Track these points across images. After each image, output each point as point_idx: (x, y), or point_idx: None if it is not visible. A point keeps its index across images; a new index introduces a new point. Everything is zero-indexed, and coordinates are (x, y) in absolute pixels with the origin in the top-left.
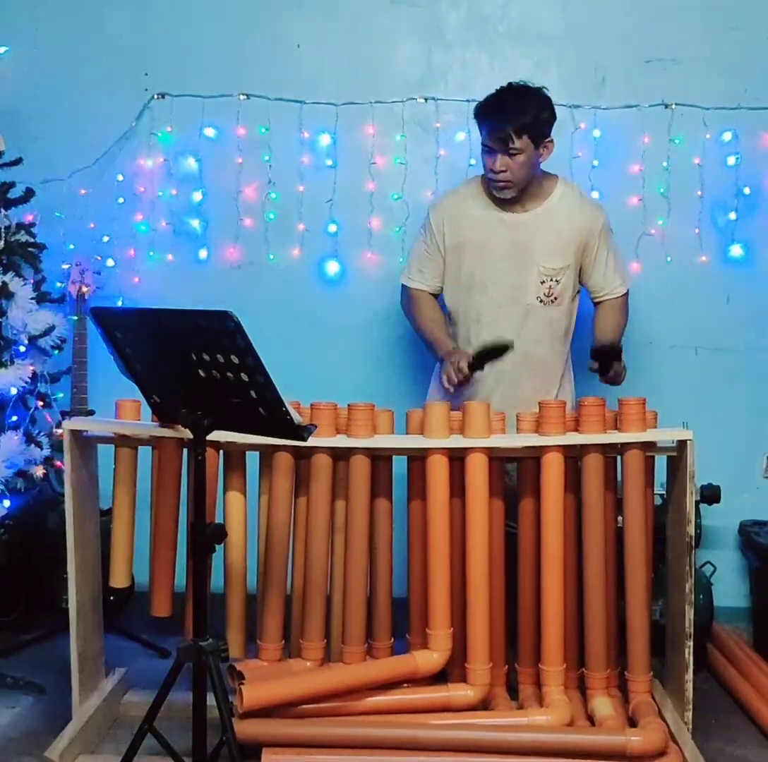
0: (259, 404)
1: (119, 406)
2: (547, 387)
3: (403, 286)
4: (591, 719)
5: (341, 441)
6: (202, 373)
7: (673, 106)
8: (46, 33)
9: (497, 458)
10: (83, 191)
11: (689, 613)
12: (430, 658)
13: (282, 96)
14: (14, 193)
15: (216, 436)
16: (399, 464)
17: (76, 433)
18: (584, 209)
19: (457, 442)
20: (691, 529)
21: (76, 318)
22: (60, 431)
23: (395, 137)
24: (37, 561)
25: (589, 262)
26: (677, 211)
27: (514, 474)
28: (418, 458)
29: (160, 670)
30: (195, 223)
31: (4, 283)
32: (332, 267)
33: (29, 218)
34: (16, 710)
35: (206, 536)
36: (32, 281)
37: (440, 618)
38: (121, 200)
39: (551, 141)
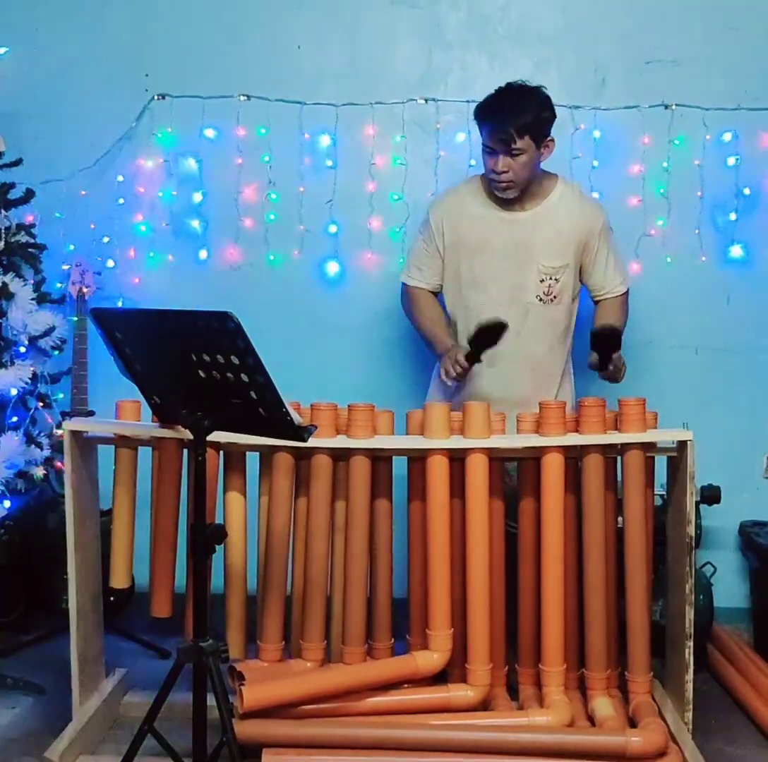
0: (259, 405)
1: (119, 407)
2: (547, 386)
3: (403, 285)
4: (591, 720)
5: (341, 441)
6: (202, 374)
7: (673, 107)
8: (47, 34)
9: (497, 459)
10: (83, 192)
11: (689, 614)
12: (430, 658)
13: (282, 97)
14: (14, 194)
15: (216, 436)
16: (399, 465)
17: (76, 434)
18: (584, 208)
19: (457, 442)
20: (691, 530)
21: (76, 318)
22: (60, 432)
23: (395, 138)
24: (38, 561)
25: (589, 261)
26: (677, 212)
27: (515, 474)
28: (418, 459)
29: (161, 670)
30: (195, 224)
31: (5, 284)
32: (332, 267)
33: (29, 219)
34: (16, 711)
35: (206, 537)
36: (32, 282)
37: (440, 618)
38: (121, 201)
39: (552, 140)
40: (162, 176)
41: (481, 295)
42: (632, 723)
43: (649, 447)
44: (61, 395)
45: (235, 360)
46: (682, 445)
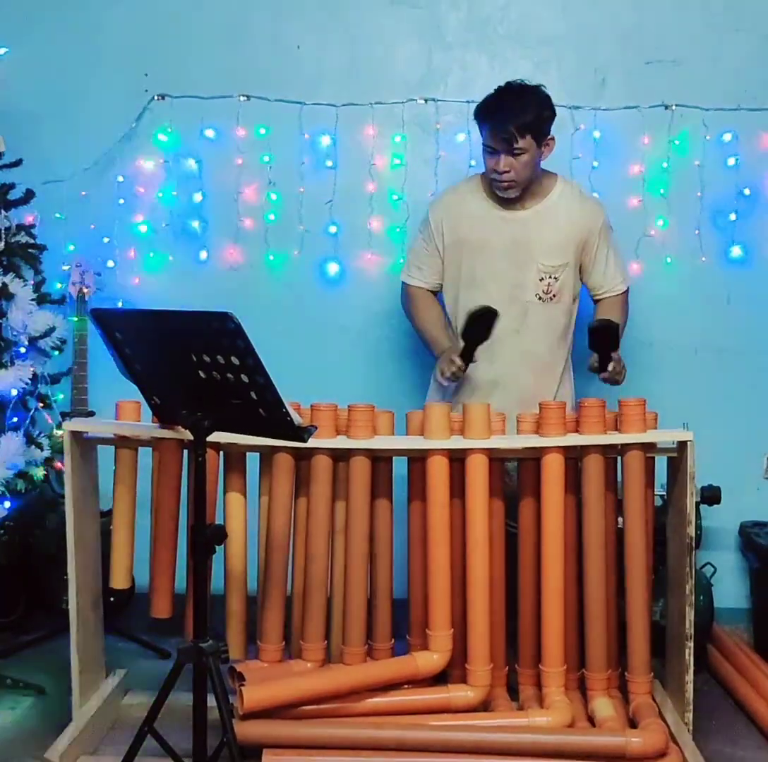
0: (259, 405)
1: (119, 407)
2: (547, 385)
3: (403, 284)
4: (591, 720)
5: (341, 442)
6: (202, 374)
7: (673, 107)
8: (47, 34)
9: (497, 459)
10: (83, 192)
11: (689, 614)
12: (430, 659)
13: (282, 97)
14: (14, 195)
15: (216, 437)
16: (399, 465)
17: (76, 435)
18: (584, 207)
19: (457, 443)
20: (691, 530)
21: (76, 319)
22: (60, 432)
23: (395, 138)
24: (38, 562)
25: (589, 259)
26: (677, 212)
27: (515, 473)
28: (418, 459)
29: (161, 671)
30: (195, 224)
31: (5, 285)
32: (332, 268)
33: (29, 219)
34: (16, 711)
35: (206, 537)
36: (32, 282)
37: (440, 619)
38: (121, 201)
39: (552, 138)
40: (162, 176)
41: (480, 294)
42: (632, 723)
43: (649, 447)
44: (61, 396)
45: (235, 360)
46: (682, 445)
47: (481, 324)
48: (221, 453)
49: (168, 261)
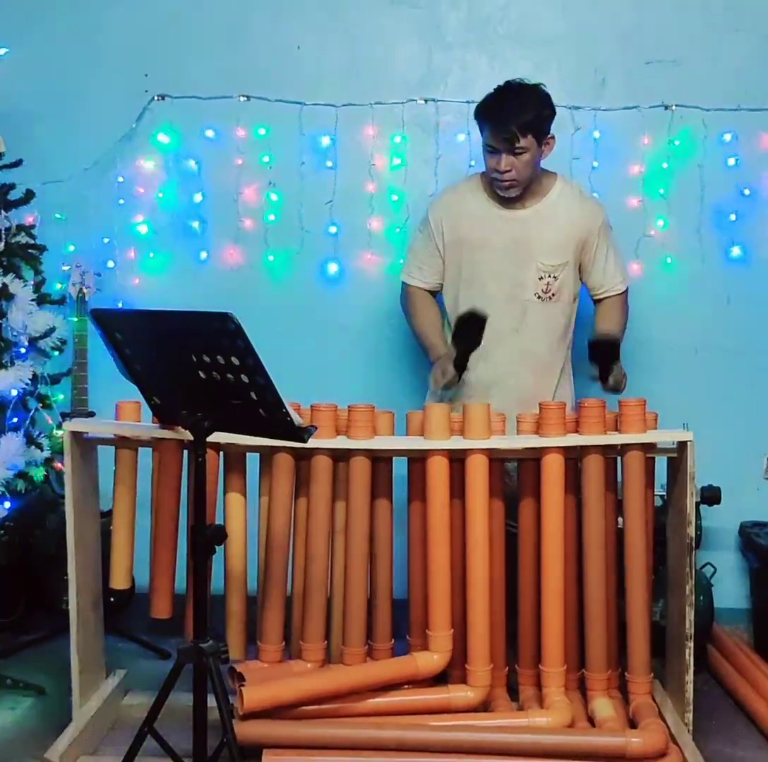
0: (259, 406)
1: (119, 408)
2: (546, 384)
3: (403, 284)
4: (591, 720)
5: (341, 442)
6: (202, 375)
7: (673, 108)
8: (47, 35)
9: (497, 459)
10: (83, 193)
11: (690, 615)
12: (430, 659)
13: (282, 97)
14: (14, 195)
15: (216, 437)
16: (399, 465)
17: (76, 435)
18: (583, 206)
19: (457, 443)
20: (691, 531)
21: (76, 319)
22: (60, 433)
23: (395, 138)
24: (38, 562)
25: (589, 259)
26: (677, 213)
27: (515, 474)
28: (418, 459)
29: (161, 671)
30: (195, 225)
31: (5, 285)
32: (332, 268)
33: (29, 220)
34: (16, 711)
35: (206, 537)
36: (32, 283)
37: (441, 619)
38: (121, 202)
39: (552, 137)
40: (162, 177)
41: (480, 293)
42: (632, 724)
43: (649, 448)
44: (61, 396)
45: (235, 361)
46: (683, 445)
47: (470, 327)
48: (221, 453)
49: (168, 261)
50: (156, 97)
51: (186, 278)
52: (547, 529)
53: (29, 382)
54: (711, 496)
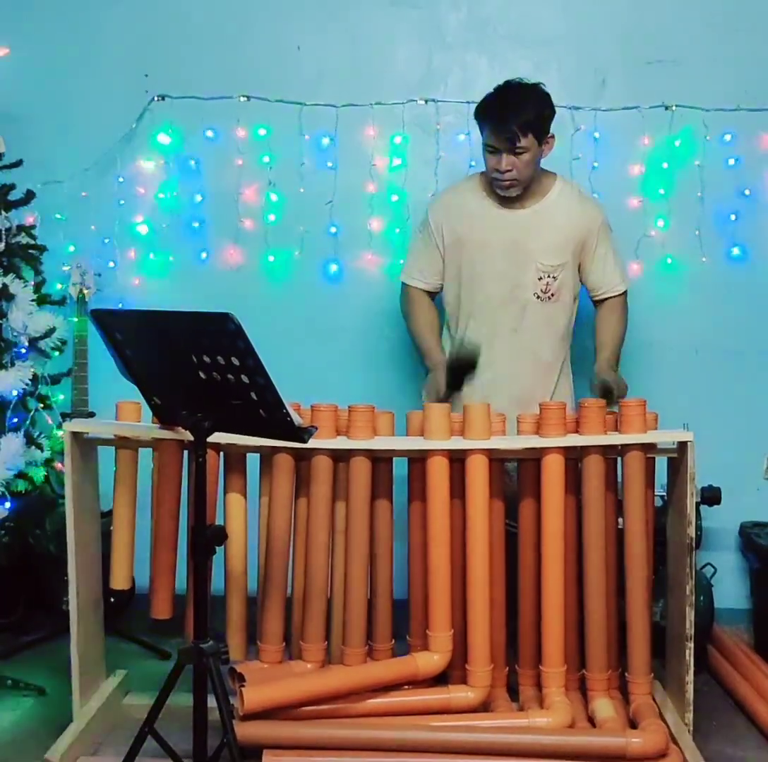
0: (259, 406)
1: (119, 408)
2: (545, 384)
3: (403, 284)
4: (592, 721)
5: (341, 443)
6: (202, 375)
7: (674, 108)
8: (47, 35)
9: (497, 459)
10: (84, 193)
11: (690, 615)
12: (430, 659)
13: (282, 97)
14: (15, 195)
15: (216, 437)
16: (399, 466)
17: (76, 435)
18: (583, 206)
19: (457, 443)
20: (691, 531)
21: (76, 320)
22: (61, 433)
23: (395, 139)
24: (38, 563)
25: (588, 259)
26: (677, 213)
27: (515, 474)
28: (418, 460)
29: (161, 672)
30: (195, 225)
31: (5, 285)
32: (332, 268)
33: (30, 220)
34: (16, 712)
35: (207, 538)
36: (33, 283)
37: (441, 620)
38: (121, 202)
39: (552, 136)
40: (162, 177)
41: (479, 293)
42: (633, 724)
43: (649, 448)
44: (61, 396)
45: (235, 361)
46: (683, 446)
47: (465, 362)
48: (221, 454)
49: (168, 262)
50: (156, 98)
51: (186, 278)
52: (547, 529)
53: (29, 382)
54: (711, 496)
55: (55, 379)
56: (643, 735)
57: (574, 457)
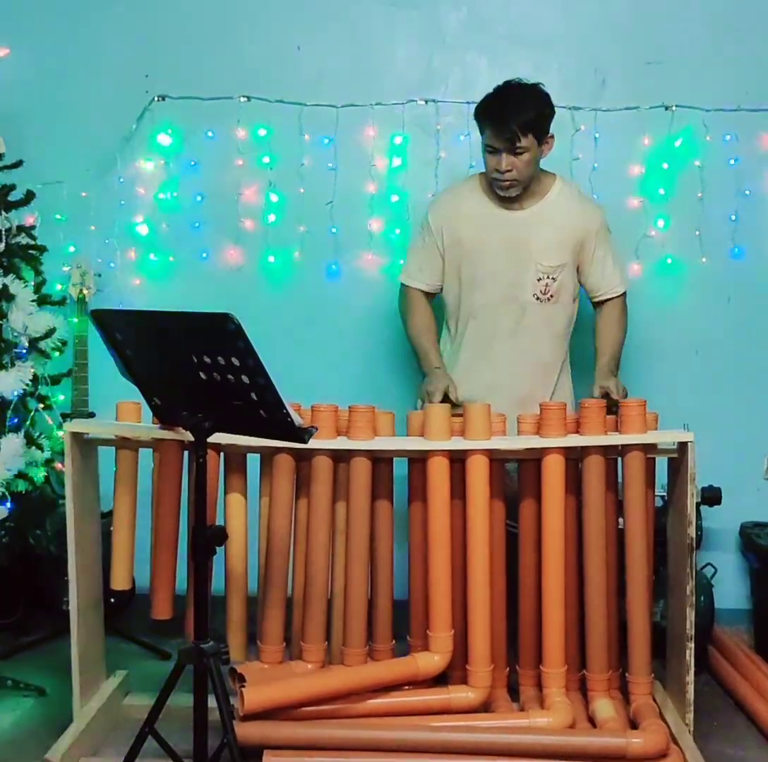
0: (259, 406)
1: (120, 409)
2: (545, 385)
3: (402, 285)
4: (592, 721)
5: (342, 443)
6: (202, 375)
7: (674, 108)
8: (47, 35)
9: (498, 460)
10: (84, 193)
11: (690, 615)
12: (431, 660)
13: (282, 98)
14: (15, 196)
15: (217, 438)
16: (400, 466)
17: (76, 436)
18: (582, 207)
19: (457, 444)
20: (691, 531)
21: (76, 320)
22: (61, 433)
23: (395, 139)
24: (38, 563)
25: (587, 260)
26: (678, 213)
27: (515, 474)
28: (418, 460)
29: (161, 672)
30: (195, 225)
31: (5, 286)
32: (332, 269)
33: (30, 220)
34: (16, 712)
35: (207, 538)
36: (33, 283)
37: (441, 620)
38: (121, 202)
39: (552, 137)
40: (162, 178)
41: (478, 294)
42: (633, 724)
43: (649, 448)
44: (61, 397)
45: (235, 361)
46: (683, 446)
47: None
48: (222, 454)
49: (168, 262)
50: (156, 98)
51: (186, 279)
52: (547, 529)
53: (30, 382)
54: (711, 496)
55: (55, 380)
56: (644, 735)
57: (574, 458)
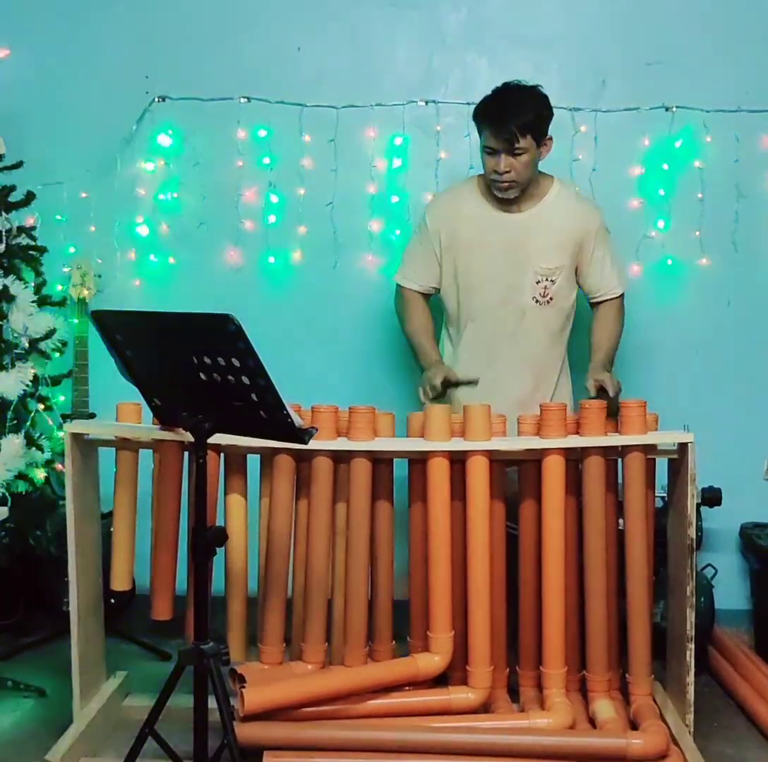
0: (260, 407)
1: (120, 409)
2: (544, 386)
3: (397, 286)
4: (592, 722)
5: (342, 444)
6: (203, 376)
7: (674, 109)
8: (47, 36)
9: (498, 461)
10: (84, 194)
11: (690, 616)
12: (431, 660)
13: (282, 99)
14: (15, 197)
15: (217, 439)
16: (400, 467)
17: (77, 436)
18: (580, 209)
19: (457, 445)
20: (692, 532)
21: (76, 321)
22: (61, 434)
23: (396, 140)
24: (38, 564)
25: (585, 262)
26: (678, 214)
27: (515, 477)
28: (418, 461)
29: (161, 673)
30: (195, 226)
31: (5, 287)
32: (332, 269)
33: (30, 221)
34: (16, 713)
35: (207, 539)
36: (33, 284)
37: (441, 621)
38: (122, 203)
39: (550, 138)
40: (162, 178)
41: (477, 297)
42: (633, 725)
43: (649, 449)
44: (61, 398)
45: (235, 362)
46: (683, 447)
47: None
48: (222, 455)
49: (168, 263)
50: (156, 99)
51: (186, 280)
52: (547, 530)
53: (30, 383)
54: (712, 497)
55: (55, 381)
56: (644, 736)
57: (574, 459)
